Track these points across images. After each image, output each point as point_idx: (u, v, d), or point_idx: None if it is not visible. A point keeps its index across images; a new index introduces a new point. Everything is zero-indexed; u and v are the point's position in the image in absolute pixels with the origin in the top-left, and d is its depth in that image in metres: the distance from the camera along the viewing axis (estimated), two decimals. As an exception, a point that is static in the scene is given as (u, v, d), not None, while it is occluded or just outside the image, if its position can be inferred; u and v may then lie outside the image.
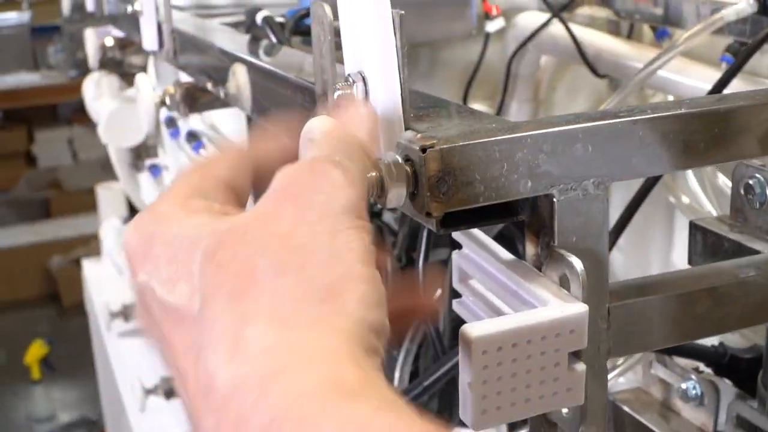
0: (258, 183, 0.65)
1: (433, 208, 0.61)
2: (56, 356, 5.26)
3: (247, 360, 0.48)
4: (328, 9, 0.73)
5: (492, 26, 1.65)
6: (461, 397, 0.62)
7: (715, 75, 1.16)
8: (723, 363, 1.00)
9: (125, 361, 2.52)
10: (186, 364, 0.52)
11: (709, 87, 1.14)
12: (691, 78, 1.30)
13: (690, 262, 0.90)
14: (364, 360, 0.49)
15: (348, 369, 0.47)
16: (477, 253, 0.71)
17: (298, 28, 1.35)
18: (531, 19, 1.69)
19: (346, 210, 0.55)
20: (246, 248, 0.52)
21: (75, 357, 5.07)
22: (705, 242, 0.88)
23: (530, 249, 0.67)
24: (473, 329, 0.59)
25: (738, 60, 1.14)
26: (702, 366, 1.01)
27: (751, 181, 0.85)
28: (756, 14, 1.24)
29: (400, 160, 0.62)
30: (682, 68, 1.33)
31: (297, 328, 0.49)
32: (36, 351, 5.22)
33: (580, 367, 0.63)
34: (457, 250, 0.75)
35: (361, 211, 0.56)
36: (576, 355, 0.63)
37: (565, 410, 0.67)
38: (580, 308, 0.61)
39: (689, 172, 1.38)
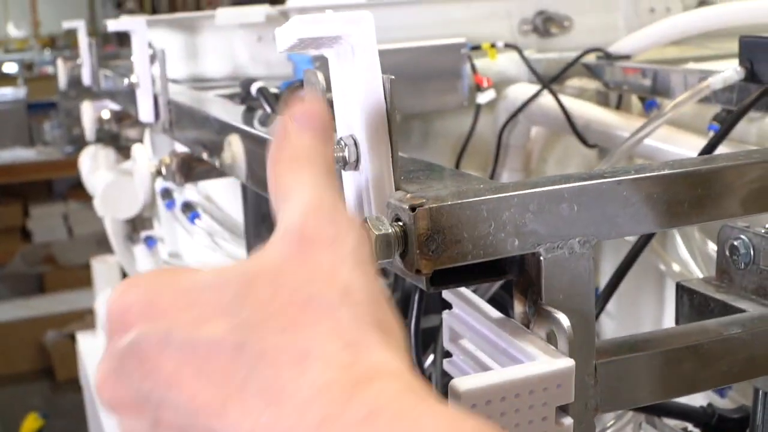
0: None
1: (422, 266, 0.63)
2: (50, 430, 5.24)
3: (329, 371, 0.48)
4: (320, 76, 0.75)
5: (483, 98, 1.68)
6: None
7: (702, 143, 1.18)
8: (711, 423, 1.02)
9: (120, 433, 2.51)
10: (213, 389, 0.50)
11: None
12: (679, 146, 1.32)
13: (677, 322, 0.92)
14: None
15: (420, 381, 0.49)
16: (467, 312, 0.73)
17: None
18: (521, 90, 1.71)
19: (371, 259, 0.57)
20: (286, 286, 0.52)
21: (70, 431, 5.05)
22: (691, 303, 0.90)
23: (518, 307, 0.69)
24: (462, 383, 0.61)
25: (723, 127, 1.16)
26: (690, 427, 1.02)
27: (735, 242, 0.87)
28: (743, 82, 1.26)
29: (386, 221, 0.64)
30: (670, 137, 1.34)
31: (369, 350, 0.50)
32: (30, 424, 5.20)
33: (568, 421, 0.65)
34: (447, 310, 0.76)
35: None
36: (563, 410, 0.65)
37: (553, 465, 0.68)
38: (567, 363, 0.63)
39: (679, 240, 1.39)
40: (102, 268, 3.23)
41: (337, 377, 0.47)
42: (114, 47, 4.01)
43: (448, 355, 0.77)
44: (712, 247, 1.31)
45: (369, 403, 0.46)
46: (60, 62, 2.65)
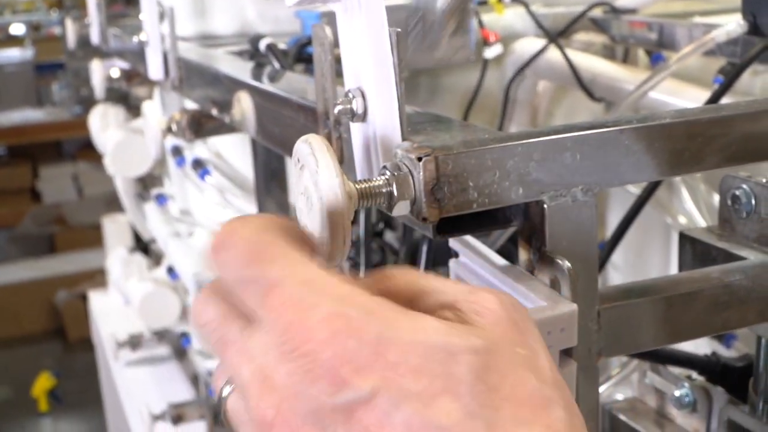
0: None
1: (429, 214, 0.64)
2: (63, 389, 5.27)
3: None
4: (328, 30, 0.76)
5: (490, 53, 1.68)
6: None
7: (707, 96, 1.19)
8: (716, 371, 1.03)
9: (133, 389, 2.53)
10: None
11: (702, 108, 1.17)
12: (684, 99, 1.33)
13: (680, 270, 0.93)
14: None
15: None
16: (473, 260, 0.74)
17: (301, 56, 1.38)
18: (528, 45, 1.72)
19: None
20: (514, 373, 0.50)
21: (82, 390, 5.08)
22: (694, 251, 0.91)
23: (523, 254, 0.71)
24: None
25: (727, 79, 1.17)
26: (695, 374, 1.03)
27: (737, 192, 0.88)
28: (747, 35, 1.27)
29: (402, 169, 0.65)
30: (676, 90, 1.36)
31: None
32: (43, 383, 5.24)
33: (571, 364, 0.66)
34: (454, 258, 0.78)
35: None
36: (567, 353, 0.66)
37: None
38: (570, 307, 0.64)
39: (684, 192, 1.41)
40: (113, 226, 3.24)
41: None
42: (121, 6, 4.00)
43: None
44: (717, 199, 1.33)
45: None
46: (68, 22, 2.65)
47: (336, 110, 0.71)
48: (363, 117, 0.71)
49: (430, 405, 0.47)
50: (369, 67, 0.69)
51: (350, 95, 0.71)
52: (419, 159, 0.64)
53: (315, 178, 0.62)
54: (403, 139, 0.68)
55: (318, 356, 0.48)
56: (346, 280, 0.53)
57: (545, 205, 0.67)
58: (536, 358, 0.52)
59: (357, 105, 0.71)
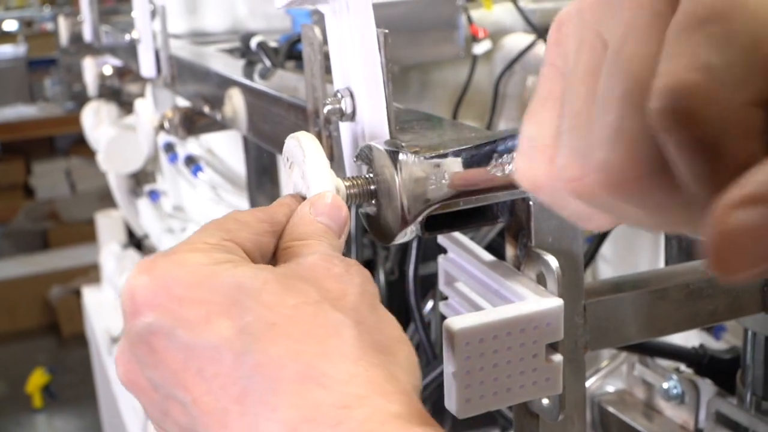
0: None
1: (417, 209, 0.65)
2: (57, 385, 5.27)
3: (323, 392, 0.50)
4: (317, 31, 0.77)
5: (479, 48, 1.69)
6: (446, 387, 0.66)
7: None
8: (703, 363, 1.04)
9: (127, 385, 2.54)
10: (216, 400, 0.51)
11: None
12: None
13: (666, 264, 0.95)
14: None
15: (417, 404, 0.51)
16: (461, 255, 0.76)
17: (292, 53, 1.39)
18: (517, 40, 1.73)
19: (377, 293, 0.59)
20: (295, 296, 0.54)
21: (76, 386, 5.09)
22: (680, 245, 0.92)
23: (509, 250, 0.72)
24: (456, 322, 0.64)
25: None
26: (682, 367, 1.05)
27: (723, 187, 0.89)
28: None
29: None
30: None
31: (369, 368, 0.52)
32: (37, 379, 5.23)
33: (557, 358, 0.68)
34: (442, 255, 0.79)
35: None
36: (554, 347, 0.68)
37: (545, 401, 0.71)
38: (556, 302, 0.66)
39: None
40: (106, 222, 3.25)
41: (331, 399, 0.49)
42: (113, 2, 4.00)
43: (444, 298, 0.80)
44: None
45: (356, 428, 0.48)
46: (61, 19, 2.66)
47: (326, 110, 0.73)
48: (352, 116, 0.72)
49: (204, 328, 0.53)
50: (357, 68, 0.70)
51: (339, 95, 0.72)
52: (407, 158, 0.65)
53: (303, 171, 0.63)
54: (392, 138, 0.70)
55: (135, 299, 0.55)
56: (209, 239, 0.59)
57: (531, 202, 0.68)
58: (339, 299, 0.56)
59: (346, 105, 0.72)
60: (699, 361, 1.05)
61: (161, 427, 0.57)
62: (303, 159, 0.63)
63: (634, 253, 1.60)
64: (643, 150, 0.38)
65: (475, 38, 1.67)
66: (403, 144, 0.67)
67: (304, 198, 0.65)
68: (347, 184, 0.66)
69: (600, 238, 1.13)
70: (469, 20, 1.66)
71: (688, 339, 1.17)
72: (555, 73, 0.47)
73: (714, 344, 1.17)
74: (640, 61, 0.38)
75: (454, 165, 0.66)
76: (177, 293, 0.54)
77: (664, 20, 0.38)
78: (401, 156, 0.65)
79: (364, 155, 0.68)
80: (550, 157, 0.45)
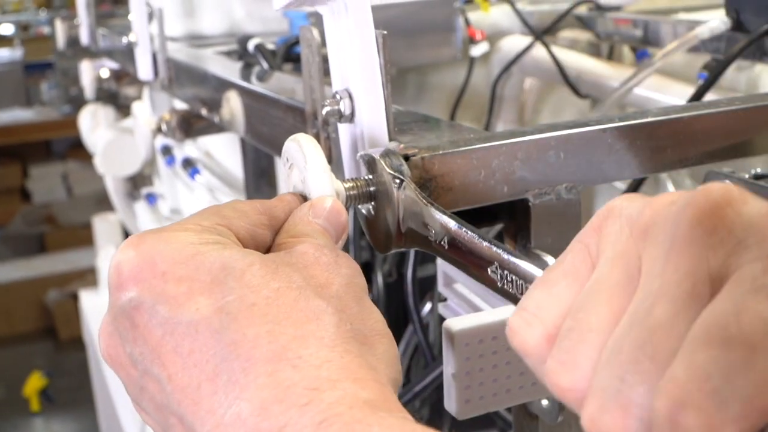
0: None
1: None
2: (55, 389, 5.26)
3: (296, 374, 0.50)
4: (316, 33, 0.77)
5: (477, 50, 1.69)
6: (446, 388, 0.66)
7: (692, 92, 1.20)
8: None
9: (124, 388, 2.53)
10: (189, 377, 0.52)
11: (687, 104, 1.18)
12: (669, 95, 1.34)
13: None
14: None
15: (391, 395, 0.51)
16: (460, 257, 0.75)
17: (289, 55, 1.39)
18: (514, 42, 1.73)
19: (365, 286, 0.60)
20: (279, 280, 0.55)
21: (73, 390, 5.08)
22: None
23: (509, 251, 0.72)
24: (455, 324, 0.64)
25: (711, 75, 1.18)
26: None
27: (720, 188, 0.89)
28: (731, 31, 1.28)
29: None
30: (661, 86, 1.37)
31: (345, 354, 0.52)
32: (35, 383, 5.23)
33: (557, 359, 0.67)
34: (441, 256, 0.79)
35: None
36: (553, 348, 0.67)
37: (544, 402, 0.71)
38: (555, 303, 0.66)
39: (670, 187, 1.42)
40: (103, 226, 3.25)
41: (302, 381, 0.49)
42: (108, 6, 4.00)
43: (443, 300, 0.80)
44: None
45: (325, 409, 0.48)
46: (58, 23, 2.66)
47: (324, 111, 0.73)
48: (350, 118, 0.72)
49: (184, 305, 0.53)
50: (356, 69, 0.70)
51: (338, 96, 0.72)
52: (407, 159, 0.65)
53: (303, 175, 0.63)
54: (391, 140, 0.70)
55: (120, 273, 0.56)
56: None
57: (530, 203, 0.68)
58: (324, 287, 0.57)
59: (344, 106, 0.72)
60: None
61: (139, 405, 0.57)
62: (304, 164, 0.63)
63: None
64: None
65: (472, 40, 1.68)
66: (402, 145, 0.67)
67: (304, 197, 0.65)
68: (347, 185, 0.66)
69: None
70: (467, 22, 1.66)
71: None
72: (584, 254, 0.48)
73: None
74: (662, 334, 0.40)
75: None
76: (161, 269, 0.55)
77: (699, 303, 0.40)
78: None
79: (366, 161, 0.68)
80: (548, 335, 0.47)
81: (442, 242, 0.63)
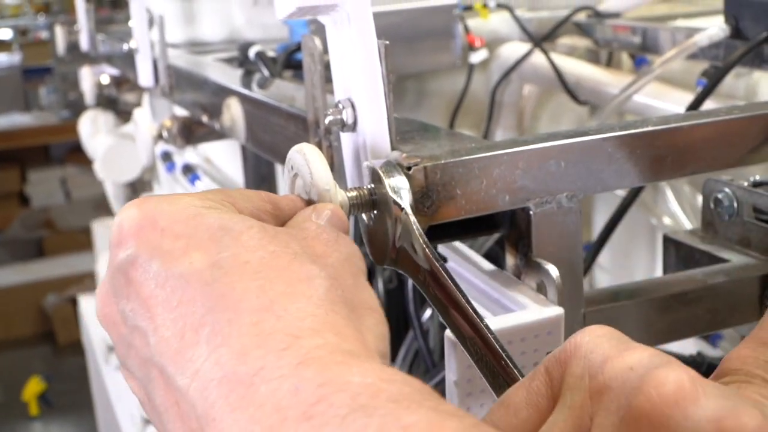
0: None
1: (418, 222, 0.66)
2: (53, 393, 5.26)
3: (281, 320, 0.50)
4: (318, 41, 0.78)
5: (476, 57, 1.70)
6: (447, 395, 0.67)
7: (691, 99, 1.20)
8: (701, 371, 1.04)
9: (123, 393, 2.54)
10: (174, 327, 0.52)
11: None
12: (667, 102, 1.34)
13: (664, 273, 0.95)
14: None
15: (374, 353, 0.52)
16: (461, 265, 0.76)
17: (290, 63, 1.39)
18: (513, 49, 1.74)
19: (363, 268, 0.60)
20: (276, 244, 0.55)
21: (72, 394, 5.08)
22: (678, 254, 0.93)
23: (510, 260, 0.72)
24: (457, 332, 0.64)
25: (710, 82, 1.18)
26: (680, 374, 1.05)
27: (720, 195, 0.90)
28: (729, 39, 1.29)
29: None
30: (660, 93, 1.37)
31: (331, 312, 0.52)
32: (33, 387, 5.23)
33: (558, 366, 0.68)
34: (443, 263, 0.79)
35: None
36: (554, 356, 0.68)
37: (546, 409, 0.71)
38: (556, 311, 0.66)
39: (669, 194, 1.42)
40: (102, 231, 3.25)
41: (284, 329, 0.49)
42: (107, 11, 4.01)
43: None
44: (701, 201, 1.34)
45: (303, 354, 0.48)
46: (58, 28, 2.66)
47: (327, 120, 0.73)
48: (353, 127, 0.72)
49: (177, 258, 0.54)
50: (358, 79, 0.71)
51: (340, 106, 0.73)
52: (409, 168, 0.65)
53: (308, 186, 0.64)
54: (393, 149, 0.70)
55: (121, 230, 0.57)
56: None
57: (531, 212, 0.69)
58: (321, 256, 0.58)
59: (347, 115, 0.72)
60: (697, 369, 1.05)
61: (125, 366, 0.57)
62: (309, 175, 0.64)
63: (631, 261, 1.61)
64: None
65: (471, 47, 1.68)
66: (404, 154, 0.67)
67: (308, 203, 0.65)
68: (351, 194, 0.67)
69: (597, 247, 1.13)
70: (466, 29, 1.66)
71: (686, 347, 1.18)
72: (547, 387, 0.54)
73: (711, 352, 1.17)
74: None
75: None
76: (161, 225, 0.56)
77: None
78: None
79: (370, 171, 0.69)
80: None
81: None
